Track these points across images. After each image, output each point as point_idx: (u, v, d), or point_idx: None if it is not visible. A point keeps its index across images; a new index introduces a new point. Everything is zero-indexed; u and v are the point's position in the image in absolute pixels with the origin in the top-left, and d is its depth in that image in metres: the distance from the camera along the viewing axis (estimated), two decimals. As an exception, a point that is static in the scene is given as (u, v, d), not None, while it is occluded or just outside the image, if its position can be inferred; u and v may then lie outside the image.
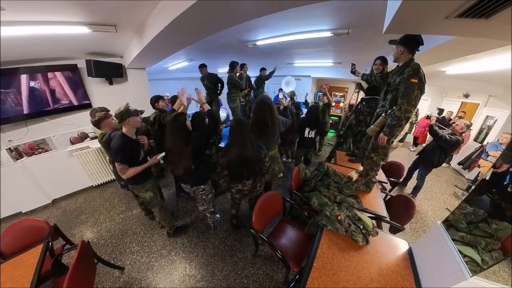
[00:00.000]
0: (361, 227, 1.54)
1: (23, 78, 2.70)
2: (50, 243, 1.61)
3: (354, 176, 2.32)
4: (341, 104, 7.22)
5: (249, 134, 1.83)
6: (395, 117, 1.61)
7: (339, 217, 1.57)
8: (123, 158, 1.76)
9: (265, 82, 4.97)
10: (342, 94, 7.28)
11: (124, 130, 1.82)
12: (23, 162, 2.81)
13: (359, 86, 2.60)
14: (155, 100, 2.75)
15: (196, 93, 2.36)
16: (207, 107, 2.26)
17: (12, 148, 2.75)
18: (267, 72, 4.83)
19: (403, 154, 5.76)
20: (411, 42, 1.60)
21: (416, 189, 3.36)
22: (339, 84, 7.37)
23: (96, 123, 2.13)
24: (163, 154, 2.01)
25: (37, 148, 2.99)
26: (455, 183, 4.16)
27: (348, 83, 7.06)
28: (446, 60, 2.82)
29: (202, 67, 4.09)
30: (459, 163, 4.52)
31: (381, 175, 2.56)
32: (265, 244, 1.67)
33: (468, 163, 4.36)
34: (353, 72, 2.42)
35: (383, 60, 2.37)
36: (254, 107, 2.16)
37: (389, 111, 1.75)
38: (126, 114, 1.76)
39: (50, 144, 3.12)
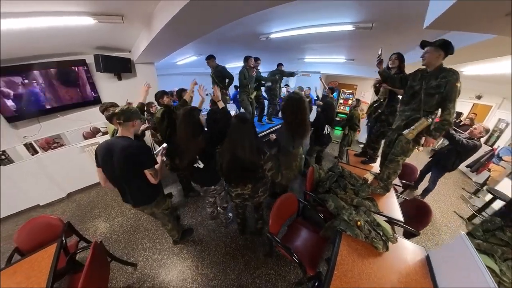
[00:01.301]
0: (381, 233, 1.52)
1: (34, 74, 2.66)
2: (64, 241, 1.63)
3: (370, 178, 2.28)
4: (350, 102, 7.12)
5: (251, 134, 1.61)
6: (445, 120, 1.65)
7: (358, 223, 1.54)
8: (154, 159, 1.55)
9: (283, 78, 4.56)
10: (351, 91, 7.18)
11: (124, 134, 1.50)
12: (38, 157, 2.91)
13: (385, 93, 2.48)
14: (159, 96, 2.65)
15: (213, 89, 2.31)
16: (221, 104, 2.21)
17: (27, 144, 2.85)
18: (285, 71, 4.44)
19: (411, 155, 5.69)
20: (449, 48, 1.57)
21: (426, 191, 3.32)
22: (348, 81, 7.25)
23: (110, 118, 2.10)
24: (165, 145, 1.92)
25: (53, 142, 3.09)
26: (463, 186, 4.12)
27: (357, 80, 6.93)
28: (481, 59, 2.67)
29: (210, 58, 3.57)
30: (467, 166, 4.46)
31: (394, 178, 2.52)
32: (280, 247, 1.66)
33: (477, 166, 4.31)
34: (379, 62, 2.04)
35: (400, 56, 2.28)
36: (290, 105, 1.92)
37: (433, 116, 1.73)
38: (135, 114, 1.48)
39: (64, 139, 3.16)
